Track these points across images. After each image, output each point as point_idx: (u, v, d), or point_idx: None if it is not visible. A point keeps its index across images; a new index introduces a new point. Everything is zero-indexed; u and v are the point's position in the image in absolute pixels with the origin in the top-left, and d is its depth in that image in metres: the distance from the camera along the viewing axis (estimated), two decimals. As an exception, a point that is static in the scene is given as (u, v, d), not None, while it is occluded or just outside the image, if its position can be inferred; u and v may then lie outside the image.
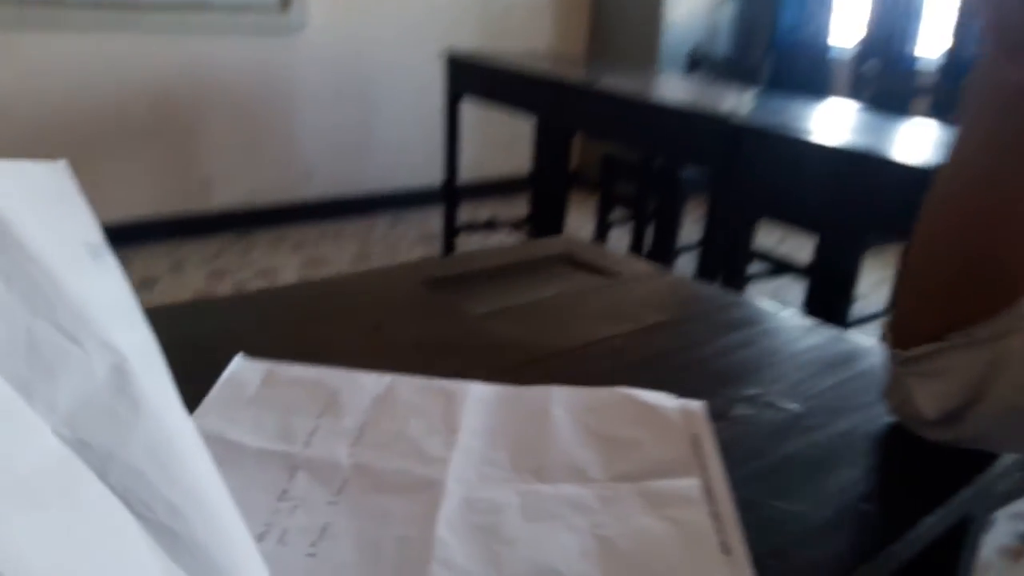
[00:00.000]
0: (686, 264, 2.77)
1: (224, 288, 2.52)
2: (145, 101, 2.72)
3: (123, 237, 2.71)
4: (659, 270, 0.74)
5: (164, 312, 0.59)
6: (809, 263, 2.44)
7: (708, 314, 0.64)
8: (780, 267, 2.56)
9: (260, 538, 0.34)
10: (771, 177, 1.79)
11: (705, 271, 2.03)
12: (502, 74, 2.47)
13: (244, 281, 2.58)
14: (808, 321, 0.64)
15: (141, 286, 2.48)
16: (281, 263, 2.76)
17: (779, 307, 0.66)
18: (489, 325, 0.59)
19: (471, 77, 2.63)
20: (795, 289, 2.84)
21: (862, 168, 1.55)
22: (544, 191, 2.89)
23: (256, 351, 0.52)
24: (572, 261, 0.75)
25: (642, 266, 0.74)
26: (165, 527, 0.26)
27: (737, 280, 2.10)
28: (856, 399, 0.52)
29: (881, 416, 0.50)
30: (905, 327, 0.47)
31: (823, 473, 0.44)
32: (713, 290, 0.69)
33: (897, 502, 0.42)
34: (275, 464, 0.40)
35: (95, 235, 0.34)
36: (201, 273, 2.64)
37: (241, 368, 0.49)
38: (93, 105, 2.63)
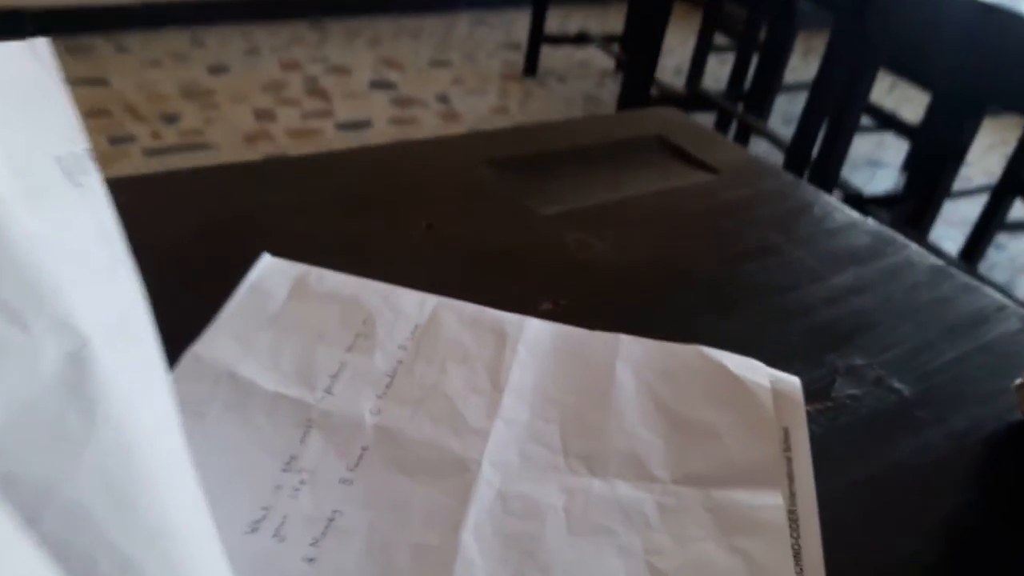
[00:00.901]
0: (785, 104, 2.55)
1: (295, 82, 2.43)
2: None
3: (196, 16, 2.60)
4: (768, 169, 0.63)
5: (185, 180, 0.52)
6: (918, 123, 2.21)
7: (820, 238, 0.55)
8: (885, 122, 2.33)
9: (255, 528, 0.29)
10: (898, 24, 1.56)
11: (811, 115, 1.85)
12: None
13: (316, 77, 2.48)
14: (936, 260, 0.54)
15: (212, 71, 2.40)
16: (354, 61, 2.63)
17: (904, 237, 0.56)
18: (557, 232, 0.51)
19: None
20: (897, 147, 2.61)
21: (997, 25, 1.33)
22: (643, 5, 2.63)
23: (285, 243, 0.45)
24: (666, 144, 0.64)
25: (747, 159, 0.64)
26: (111, 589, 0.21)
27: (844, 132, 1.91)
28: (982, 383, 0.43)
29: (1009, 411, 0.42)
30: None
31: (931, 492, 0.37)
32: (829, 203, 0.59)
33: (1021, 542, 0.35)
34: (289, 416, 0.34)
35: (77, 143, 0.27)
36: (273, 62, 2.53)
37: (267, 272, 0.43)
38: None
